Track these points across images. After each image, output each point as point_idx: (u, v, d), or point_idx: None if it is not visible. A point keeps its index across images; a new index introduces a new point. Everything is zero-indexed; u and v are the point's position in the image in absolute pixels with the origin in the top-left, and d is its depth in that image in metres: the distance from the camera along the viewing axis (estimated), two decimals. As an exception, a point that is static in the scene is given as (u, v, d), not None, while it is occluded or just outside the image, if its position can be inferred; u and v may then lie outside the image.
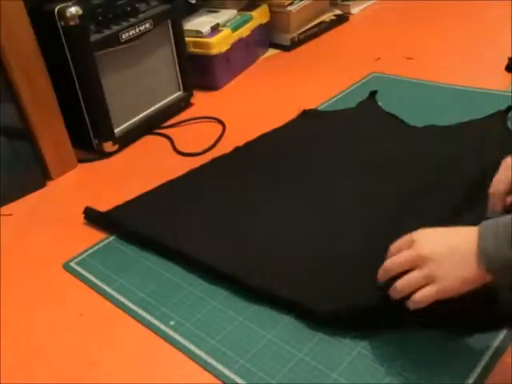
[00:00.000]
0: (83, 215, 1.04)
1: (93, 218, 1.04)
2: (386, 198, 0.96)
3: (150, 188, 1.10)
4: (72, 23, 1.12)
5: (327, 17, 1.85)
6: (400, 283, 0.65)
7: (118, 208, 1.05)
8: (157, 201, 1.07)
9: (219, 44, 1.50)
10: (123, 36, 1.22)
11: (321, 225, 0.93)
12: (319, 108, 1.34)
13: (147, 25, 1.27)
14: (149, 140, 1.34)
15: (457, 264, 0.62)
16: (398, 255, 0.67)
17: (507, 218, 0.61)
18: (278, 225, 0.95)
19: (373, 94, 1.35)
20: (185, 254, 0.90)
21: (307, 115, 1.31)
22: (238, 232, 0.95)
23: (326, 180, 1.05)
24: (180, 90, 1.44)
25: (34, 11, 1.11)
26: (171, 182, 1.12)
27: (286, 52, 1.74)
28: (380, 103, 1.31)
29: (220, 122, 1.35)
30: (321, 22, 1.83)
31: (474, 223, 0.63)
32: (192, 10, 1.61)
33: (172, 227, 0.97)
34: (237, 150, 1.20)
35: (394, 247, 0.69)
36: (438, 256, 0.63)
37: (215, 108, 1.43)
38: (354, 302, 0.74)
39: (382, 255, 0.69)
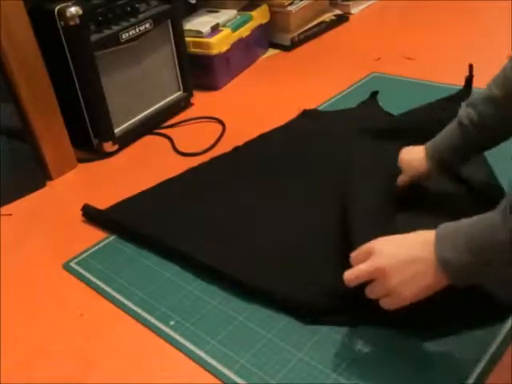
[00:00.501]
0: (81, 212, 1.05)
1: (91, 215, 1.04)
2: (386, 196, 0.96)
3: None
4: (72, 23, 1.12)
5: (327, 17, 1.85)
6: (366, 292, 0.67)
7: (116, 206, 1.05)
8: (156, 199, 1.07)
9: (219, 44, 1.50)
10: (123, 36, 1.22)
11: (321, 224, 0.93)
12: (319, 108, 1.35)
13: (147, 25, 1.27)
14: (149, 140, 1.34)
15: (414, 275, 0.63)
16: (357, 268, 0.67)
17: (464, 224, 0.62)
18: (278, 224, 0.95)
19: (374, 94, 1.35)
20: (184, 253, 0.91)
21: (307, 115, 1.31)
22: (238, 231, 0.95)
23: (326, 180, 1.05)
24: (180, 90, 1.44)
25: (34, 11, 1.11)
26: (170, 181, 1.12)
27: (286, 52, 1.74)
28: (380, 103, 1.31)
29: (220, 122, 1.35)
30: (321, 22, 1.83)
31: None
32: (192, 10, 1.62)
33: (171, 226, 0.97)
34: (236, 149, 1.20)
35: (354, 255, 0.69)
36: (395, 269, 0.64)
37: (215, 108, 1.43)
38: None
39: None
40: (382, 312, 0.73)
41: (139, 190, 1.09)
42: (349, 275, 0.67)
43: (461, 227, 0.62)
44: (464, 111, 0.87)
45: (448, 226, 0.63)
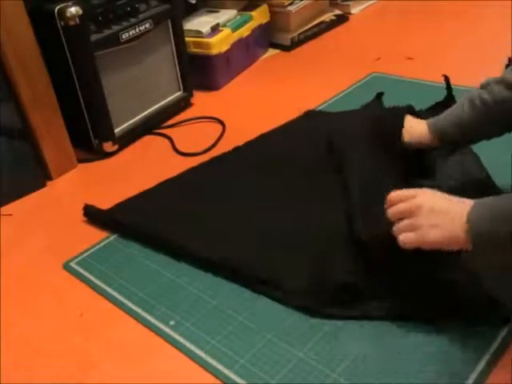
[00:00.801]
0: (83, 212, 1.05)
1: (92, 215, 1.04)
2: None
3: (150, 188, 1.10)
4: (72, 23, 1.12)
5: (327, 17, 1.85)
6: (394, 228, 0.73)
7: (118, 206, 1.05)
8: (157, 199, 1.07)
9: (219, 44, 1.50)
10: (123, 36, 1.22)
11: (323, 223, 0.93)
12: (319, 108, 1.34)
13: (147, 25, 1.27)
14: (149, 140, 1.34)
15: (445, 222, 0.68)
16: (399, 205, 0.73)
17: (503, 199, 0.66)
18: (278, 224, 0.95)
19: (379, 95, 1.34)
20: (185, 252, 0.91)
21: (309, 116, 1.30)
22: (238, 231, 0.95)
23: (325, 179, 1.05)
24: (180, 90, 1.44)
25: (34, 11, 1.11)
26: (170, 181, 1.12)
27: (286, 52, 1.74)
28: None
29: (220, 122, 1.35)
30: (321, 22, 1.83)
31: None
32: (192, 10, 1.62)
33: (172, 226, 0.97)
34: (236, 149, 1.20)
35: (393, 196, 0.75)
36: (431, 212, 0.70)
37: (215, 108, 1.43)
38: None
39: None
40: (385, 308, 0.74)
41: (139, 190, 1.09)
42: (392, 209, 0.74)
43: (496, 199, 0.67)
44: (477, 92, 0.90)
45: (485, 199, 0.67)
